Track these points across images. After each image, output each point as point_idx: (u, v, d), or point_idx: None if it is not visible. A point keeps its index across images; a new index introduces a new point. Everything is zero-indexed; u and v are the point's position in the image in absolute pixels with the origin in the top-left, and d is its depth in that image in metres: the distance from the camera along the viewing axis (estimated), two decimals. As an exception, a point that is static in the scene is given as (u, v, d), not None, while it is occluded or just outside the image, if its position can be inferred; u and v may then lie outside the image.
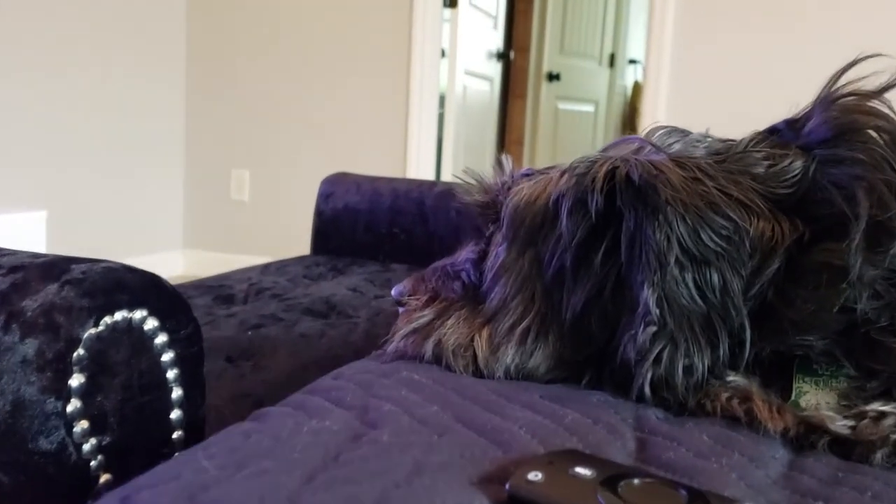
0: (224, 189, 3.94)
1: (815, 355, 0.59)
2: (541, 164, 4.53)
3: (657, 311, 0.58)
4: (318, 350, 1.27)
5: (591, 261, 0.64)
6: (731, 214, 0.60)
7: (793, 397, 0.59)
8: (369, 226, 1.96)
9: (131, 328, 0.75)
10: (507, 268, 0.69)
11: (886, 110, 0.63)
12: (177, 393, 0.80)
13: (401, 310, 0.77)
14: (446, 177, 4.08)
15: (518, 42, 5.28)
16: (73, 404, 0.68)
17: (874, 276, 0.56)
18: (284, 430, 0.51)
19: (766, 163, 0.64)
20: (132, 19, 3.62)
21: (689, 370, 0.59)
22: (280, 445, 0.48)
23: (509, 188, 0.73)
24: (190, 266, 3.98)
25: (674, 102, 3.21)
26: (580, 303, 0.64)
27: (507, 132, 5.36)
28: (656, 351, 0.59)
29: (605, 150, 0.72)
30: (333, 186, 2.03)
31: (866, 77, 0.65)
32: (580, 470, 0.43)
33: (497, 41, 5.01)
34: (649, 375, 0.59)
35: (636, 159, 0.62)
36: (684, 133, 0.71)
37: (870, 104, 0.63)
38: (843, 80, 0.66)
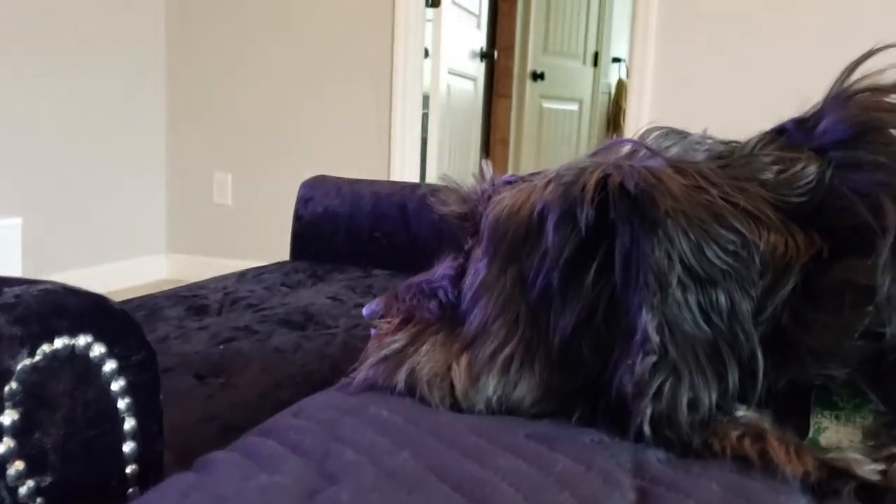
0: (206, 193, 3.88)
1: (836, 387, 0.52)
2: (526, 163, 4.48)
3: (657, 339, 0.51)
4: (292, 365, 1.20)
5: (582, 280, 0.56)
6: (739, 227, 0.53)
7: (811, 434, 0.52)
8: (350, 230, 1.90)
9: (74, 356, 0.68)
10: (487, 286, 0.62)
11: (909, 107, 0.56)
12: (129, 424, 0.74)
13: (373, 331, 0.70)
14: (431, 178, 4.02)
15: (502, 41, 5.22)
16: (6, 444, 0.62)
17: None
18: (229, 487, 0.43)
19: (775, 167, 0.57)
20: (111, 21, 3.53)
21: (693, 405, 0.52)
22: (221, 508, 0.41)
23: (490, 197, 0.65)
24: (174, 270, 3.92)
25: (658, 101, 3.15)
26: (569, 326, 0.57)
27: (492, 132, 5.30)
28: (657, 384, 0.52)
29: (594, 154, 0.64)
30: (313, 190, 1.96)
31: (883, 71, 0.59)
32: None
33: (480, 41, 4.95)
34: (649, 412, 0.52)
35: (631, 166, 0.55)
36: (682, 134, 0.64)
37: (890, 100, 0.56)
38: (856, 74, 0.59)
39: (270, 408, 1.09)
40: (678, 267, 0.51)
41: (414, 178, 3.60)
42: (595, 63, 5.86)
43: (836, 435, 0.52)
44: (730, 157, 0.59)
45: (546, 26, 5.31)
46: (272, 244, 2.94)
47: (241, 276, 1.72)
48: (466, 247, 0.68)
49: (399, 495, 0.42)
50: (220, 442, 0.88)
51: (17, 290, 0.67)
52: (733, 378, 0.52)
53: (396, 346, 0.64)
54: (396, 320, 0.67)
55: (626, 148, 0.62)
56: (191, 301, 1.50)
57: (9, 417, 0.62)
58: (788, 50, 2.93)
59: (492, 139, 5.30)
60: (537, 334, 0.59)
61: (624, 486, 0.47)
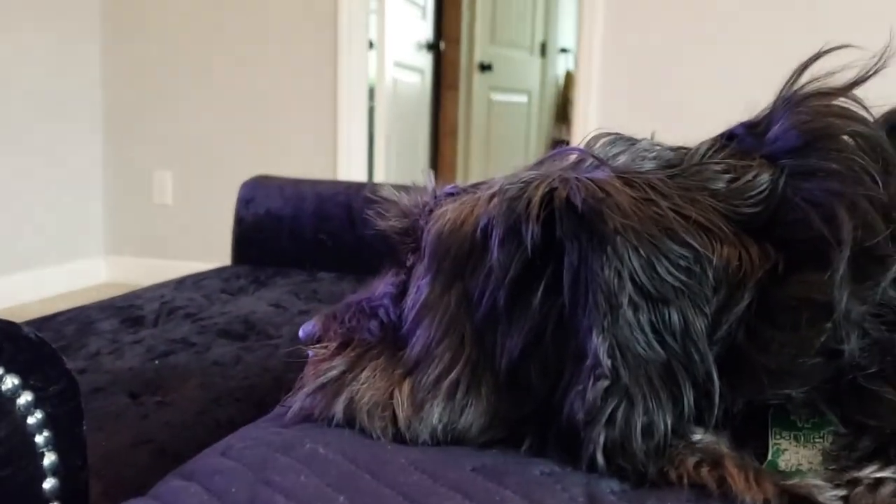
0: (146, 192, 3.76)
1: (794, 407, 0.50)
2: (475, 156, 4.45)
3: (609, 362, 0.48)
4: (232, 380, 1.15)
5: (529, 300, 0.53)
6: (691, 241, 0.50)
7: (770, 457, 0.50)
8: (294, 232, 1.85)
9: (-19, 391, 0.63)
10: (430, 306, 0.58)
11: (861, 111, 0.54)
12: (49, 459, 0.69)
13: (310, 354, 0.66)
14: (379, 172, 3.96)
15: (448, 32, 5.18)
16: None
17: (862, 312, 0.47)
18: (144, 548, 0.39)
19: (726, 176, 0.55)
20: (43, 12, 3.38)
21: (648, 430, 0.49)
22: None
23: (431, 211, 0.62)
24: (113, 273, 3.79)
25: (606, 92, 3.15)
26: (517, 349, 0.54)
27: (441, 124, 5.26)
28: (609, 409, 0.49)
29: (539, 163, 0.61)
30: (254, 191, 1.90)
31: (833, 73, 0.57)
32: None
33: (427, 32, 4.90)
34: (601, 439, 0.49)
35: (577, 179, 0.52)
36: (630, 141, 0.61)
37: (841, 104, 0.54)
38: (806, 77, 0.57)
39: (208, 427, 1.05)
40: (629, 286, 0.49)
41: (361, 173, 3.54)
42: (543, 53, 5.86)
43: (796, 457, 0.50)
44: (679, 166, 0.56)
45: (493, 16, 5.29)
46: (215, 244, 2.87)
47: (180, 283, 1.66)
48: (408, 263, 0.64)
49: (333, 552, 0.38)
50: (153, 468, 0.84)
51: (-89, 319, 0.62)
52: (688, 400, 0.50)
53: (334, 373, 0.60)
54: (334, 343, 0.63)
55: (573, 157, 0.59)
56: (126, 312, 1.43)
57: None
58: (741, 39, 2.94)
59: (440, 132, 5.26)
60: (483, 357, 0.55)
61: (577, 525, 0.44)
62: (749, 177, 0.54)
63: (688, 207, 0.52)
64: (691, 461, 0.49)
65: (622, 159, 0.58)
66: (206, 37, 3.58)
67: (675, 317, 0.49)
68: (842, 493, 0.46)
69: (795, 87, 0.57)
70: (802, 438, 0.50)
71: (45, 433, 0.67)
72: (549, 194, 0.52)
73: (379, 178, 3.92)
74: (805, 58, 0.59)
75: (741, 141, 0.58)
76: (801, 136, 0.53)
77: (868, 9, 2.63)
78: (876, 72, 0.55)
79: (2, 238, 3.27)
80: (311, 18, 3.43)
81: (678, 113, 2.86)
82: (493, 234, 0.54)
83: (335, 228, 1.82)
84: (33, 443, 0.66)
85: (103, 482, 0.86)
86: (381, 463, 0.50)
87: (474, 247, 0.56)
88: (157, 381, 1.13)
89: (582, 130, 3.11)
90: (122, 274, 3.74)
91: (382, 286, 0.66)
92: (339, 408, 0.58)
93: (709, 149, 0.57)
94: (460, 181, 0.74)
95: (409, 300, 0.60)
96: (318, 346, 0.63)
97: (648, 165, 0.57)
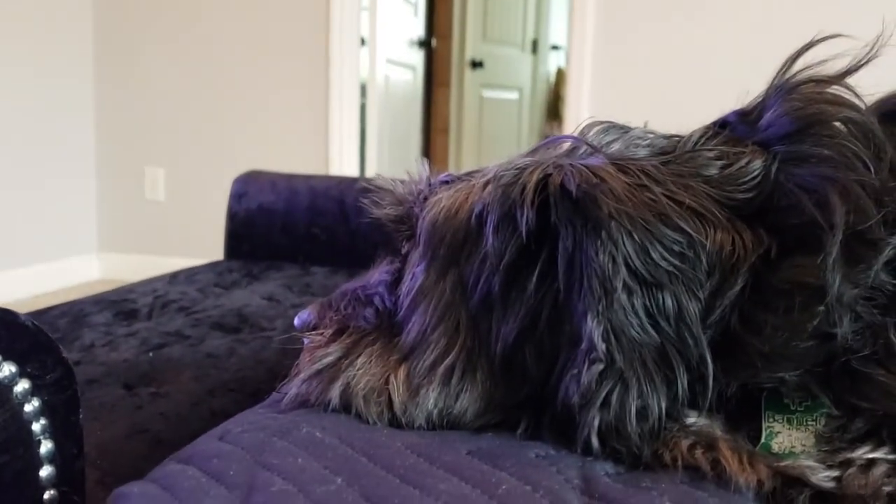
0: (138, 188, 3.74)
1: (788, 389, 0.50)
2: (467, 152, 4.45)
3: (603, 346, 0.49)
4: (226, 371, 1.15)
5: (524, 285, 0.54)
6: (684, 226, 0.51)
7: (763, 439, 0.51)
8: (286, 227, 1.84)
9: (-21, 378, 0.63)
10: (425, 293, 0.58)
11: (853, 98, 0.54)
12: (46, 447, 0.69)
13: (305, 341, 0.66)
14: (371, 169, 3.96)
15: (440, 29, 5.18)
16: None
17: (855, 295, 0.48)
18: (143, 529, 0.39)
19: (719, 163, 0.55)
20: (35, 10, 3.36)
21: (642, 413, 0.49)
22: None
23: (426, 198, 0.62)
24: (106, 270, 3.78)
25: (598, 89, 3.15)
26: (512, 334, 0.54)
27: (432, 121, 5.27)
28: (604, 393, 0.49)
29: (533, 151, 0.61)
30: (246, 186, 1.90)
31: (825, 61, 0.57)
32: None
33: (418, 28, 4.90)
34: (596, 422, 0.49)
35: (571, 165, 0.52)
36: (624, 129, 0.61)
37: (833, 91, 0.55)
38: (798, 65, 0.58)
39: (203, 417, 1.05)
40: (623, 270, 0.49)
41: (353, 170, 3.54)
42: (534, 50, 5.86)
43: (789, 439, 0.50)
44: (673, 153, 0.57)
45: (484, 13, 5.29)
46: (208, 240, 2.86)
47: (173, 277, 1.65)
48: (403, 251, 0.64)
49: (331, 531, 0.39)
50: (149, 457, 0.84)
51: (-88, 308, 0.62)
52: (682, 384, 0.50)
53: (330, 359, 0.60)
54: (330, 331, 0.63)
55: (567, 145, 0.59)
56: (119, 306, 1.43)
57: None
58: (731, 36, 2.95)
59: (432, 129, 5.27)
60: (479, 343, 0.56)
61: (572, 505, 0.44)
62: (742, 163, 0.54)
63: (681, 193, 0.52)
64: (685, 444, 0.49)
65: (616, 147, 0.58)
66: (198, 33, 3.56)
67: (669, 301, 0.50)
68: (834, 473, 0.47)
69: (788, 75, 0.57)
70: (795, 421, 0.51)
71: (42, 421, 0.67)
72: (544, 180, 0.52)
73: (371, 174, 3.91)
74: (797, 49, 0.59)
75: (734, 128, 0.59)
76: (794, 122, 0.54)
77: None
78: (868, 61, 0.55)
79: (-8, 236, 3.26)
80: (304, 15, 3.42)
81: (669, 109, 2.85)
82: (488, 220, 0.55)
83: (328, 223, 1.82)
84: (30, 430, 0.67)
85: (99, 471, 0.86)
86: (378, 446, 0.50)
87: (469, 233, 0.57)
88: (152, 373, 1.13)
89: (573, 127, 3.11)
90: (114, 271, 3.72)
91: (377, 274, 0.66)
92: (335, 393, 0.58)
93: (702, 136, 0.58)
94: (452, 177, 0.74)
95: (405, 287, 0.61)
96: (313, 333, 0.63)
97: (642, 153, 0.57)
